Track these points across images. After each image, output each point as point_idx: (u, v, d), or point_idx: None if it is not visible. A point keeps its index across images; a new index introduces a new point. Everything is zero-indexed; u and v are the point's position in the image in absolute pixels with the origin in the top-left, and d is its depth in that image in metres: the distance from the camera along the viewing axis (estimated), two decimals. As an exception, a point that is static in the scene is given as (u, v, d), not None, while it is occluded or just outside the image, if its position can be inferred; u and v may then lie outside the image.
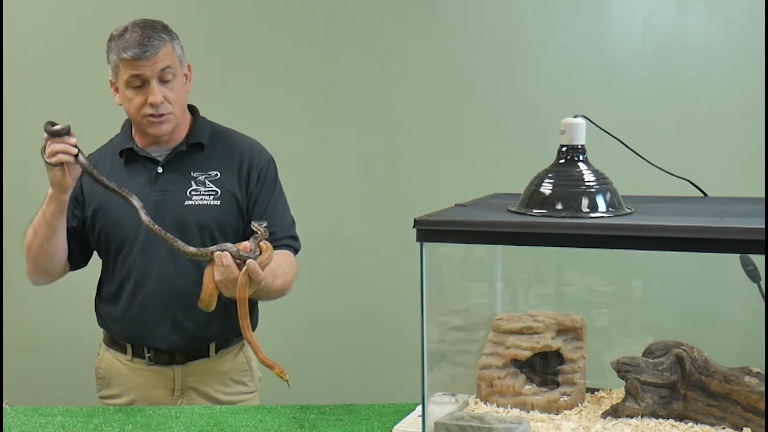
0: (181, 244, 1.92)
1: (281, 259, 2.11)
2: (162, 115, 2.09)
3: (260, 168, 2.20)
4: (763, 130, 3.14)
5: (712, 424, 1.63)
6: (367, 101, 3.34)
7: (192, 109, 2.26)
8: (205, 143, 2.19)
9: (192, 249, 1.92)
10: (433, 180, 3.32)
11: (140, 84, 2.06)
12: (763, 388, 1.59)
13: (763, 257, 1.43)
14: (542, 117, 2.99)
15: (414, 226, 1.56)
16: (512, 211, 1.62)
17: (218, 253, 1.87)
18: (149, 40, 2.04)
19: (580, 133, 1.62)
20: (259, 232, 1.96)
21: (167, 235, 1.93)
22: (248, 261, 1.86)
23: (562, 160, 1.63)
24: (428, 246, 1.58)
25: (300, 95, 3.32)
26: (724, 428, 1.62)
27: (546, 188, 1.59)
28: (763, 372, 1.62)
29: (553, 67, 3.31)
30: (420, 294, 1.59)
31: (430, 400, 1.66)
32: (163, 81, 2.07)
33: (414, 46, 3.32)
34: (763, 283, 1.70)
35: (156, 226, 1.95)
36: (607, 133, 1.76)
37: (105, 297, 2.27)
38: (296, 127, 3.30)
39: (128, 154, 2.19)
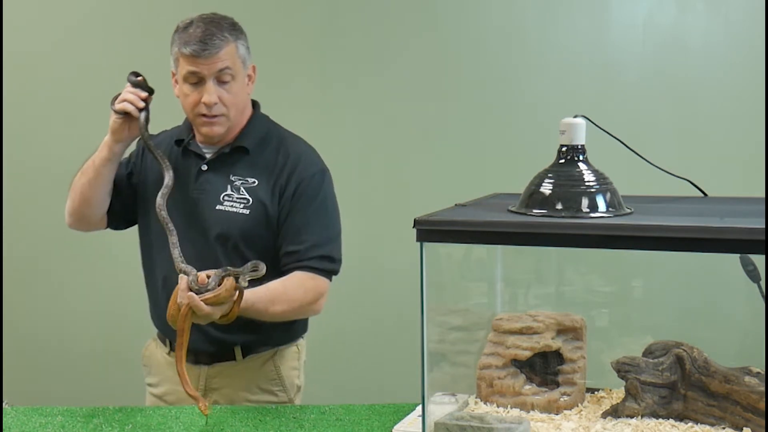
0: (172, 242, 1.92)
1: (291, 283, 2.05)
2: (215, 116, 2.05)
3: (300, 180, 2.10)
4: (763, 130, 3.14)
5: (712, 424, 1.63)
6: (367, 101, 3.34)
7: (254, 104, 2.20)
8: (250, 148, 2.12)
9: (175, 252, 1.91)
10: (433, 180, 3.32)
11: (197, 81, 2.03)
12: (763, 388, 1.59)
13: (763, 257, 1.43)
14: (542, 117, 2.99)
15: (414, 226, 1.56)
16: (512, 211, 1.62)
17: (181, 274, 1.85)
18: (211, 39, 1.99)
19: (580, 133, 1.62)
20: (244, 271, 1.88)
21: (168, 226, 1.93)
22: (188, 294, 1.81)
23: (562, 160, 1.63)
24: (428, 246, 1.58)
25: (299, 95, 3.32)
26: (724, 428, 1.62)
27: (546, 188, 1.59)
28: (763, 372, 1.62)
29: (553, 67, 3.31)
30: (420, 294, 1.59)
31: (430, 400, 1.66)
32: (220, 82, 2.03)
33: (414, 46, 3.32)
34: (763, 283, 1.70)
35: (163, 212, 1.94)
36: (607, 133, 1.76)
37: (146, 285, 2.26)
38: (295, 127, 3.29)
39: (185, 145, 2.16)
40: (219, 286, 1.84)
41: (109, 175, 2.11)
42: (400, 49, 3.33)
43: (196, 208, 2.10)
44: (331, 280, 2.14)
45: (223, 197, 2.10)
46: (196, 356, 2.17)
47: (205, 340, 2.13)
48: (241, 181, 2.11)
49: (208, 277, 1.85)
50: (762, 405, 1.58)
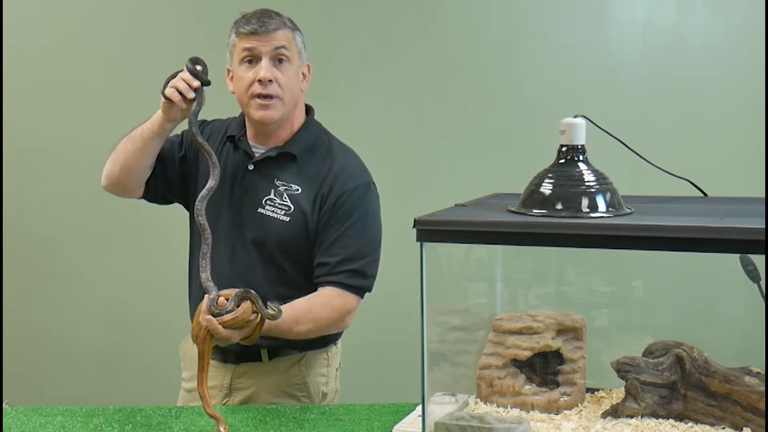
0: (203, 251, 1.87)
1: (317, 301, 2.01)
2: (270, 97, 2.01)
3: (341, 192, 2.05)
4: (763, 130, 3.14)
5: (712, 424, 1.63)
6: (367, 101, 3.34)
7: (308, 111, 2.17)
8: (297, 155, 2.08)
9: (203, 263, 1.85)
10: (433, 180, 3.32)
11: (253, 60, 2.00)
12: (763, 388, 1.59)
13: (763, 257, 1.43)
14: (542, 117, 2.99)
15: (414, 226, 1.56)
16: (512, 211, 1.62)
17: (206, 294, 1.81)
18: (269, 19, 2.00)
19: (580, 133, 1.63)
20: (249, 295, 1.81)
21: (204, 233, 1.88)
22: (206, 317, 1.77)
23: (562, 160, 1.63)
24: (428, 246, 1.58)
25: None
26: (724, 428, 1.62)
27: (546, 188, 1.59)
28: (763, 372, 1.62)
29: (553, 67, 3.31)
30: (420, 294, 1.59)
31: (430, 400, 1.66)
32: (276, 62, 2.01)
33: (414, 47, 3.32)
34: (763, 283, 1.70)
35: (201, 218, 1.89)
36: (607, 133, 1.76)
37: (189, 278, 2.22)
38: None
39: (236, 141, 2.14)
40: (237, 308, 1.79)
41: (155, 148, 2.08)
42: (400, 49, 3.33)
43: (237, 207, 2.08)
44: (362, 297, 2.08)
45: (266, 201, 2.07)
46: (223, 355, 2.15)
47: None
48: (285, 187, 2.07)
49: (227, 298, 1.80)
50: (762, 405, 1.58)
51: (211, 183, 1.93)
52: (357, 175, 2.10)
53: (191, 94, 1.95)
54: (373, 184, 2.13)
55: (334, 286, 2.03)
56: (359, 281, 2.05)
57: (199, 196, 1.93)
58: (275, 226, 2.06)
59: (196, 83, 1.96)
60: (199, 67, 1.98)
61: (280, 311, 1.83)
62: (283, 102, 2.03)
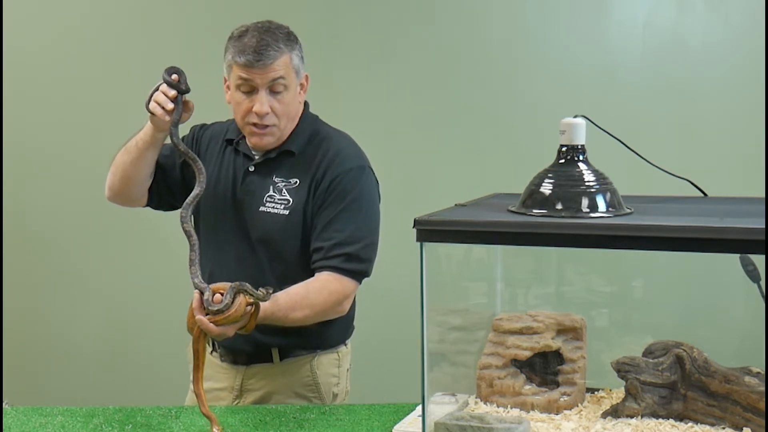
0: (191, 258, 1.85)
1: (313, 287, 1.99)
2: (266, 126, 2.02)
3: (335, 176, 2.05)
4: (762, 131, 3.14)
5: (712, 424, 1.63)
6: (367, 101, 3.34)
7: (304, 105, 2.16)
8: (296, 151, 2.09)
9: (192, 269, 1.83)
10: (433, 180, 3.32)
11: (249, 90, 2.00)
12: (763, 388, 1.59)
13: (763, 257, 1.43)
14: (542, 117, 2.99)
15: (414, 226, 1.56)
16: (512, 211, 1.62)
17: (196, 291, 1.80)
18: (266, 49, 1.97)
19: (580, 133, 1.63)
20: (244, 288, 1.79)
21: (190, 240, 1.88)
22: (198, 318, 1.76)
23: (562, 160, 1.63)
24: (428, 246, 1.58)
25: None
26: (724, 428, 1.62)
27: (546, 188, 1.59)
28: (763, 372, 1.62)
29: (553, 67, 3.31)
30: (420, 294, 1.59)
31: (430, 400, 1.66)
32: (273, 92, 2.00)
33: (413, 46, 3.32)
34: (763, 283, 1.70)
35: (185, 225, 1.89)
36: (607, 133, 1.76)
37: None
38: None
39: (235, 145, 2.14)
40: (232, 303, 1.77)
41: (151, 157, 2.08)
42: (400, 48, 3.33)
43: (240, 209, 2.09)
44: (360, 282, 2.06)
45: (266, 199, 2.07)
46: (234, 356, 2.15)
47: (243, 340, 2.04)
48: (284, 183, 2.07)
49: (222, 292, 1.79)
50: (762, 405, 1.58)
51: (197, 190, 1.93)
52: (351, 157, 2.10)
53: (170, 105, 1.95)
54: (369, 168, 2.12)
55: (330, 271, 2.02)
56: (355, 265, 2.03)
57: (184, 203, 1.92)
58: (276, 221, 2.06)
59: (172, 93, 1.96)
60: (174, 76, 1.97)
61: (269, 293, 1.81)
62: (279, 128, 2.04)
